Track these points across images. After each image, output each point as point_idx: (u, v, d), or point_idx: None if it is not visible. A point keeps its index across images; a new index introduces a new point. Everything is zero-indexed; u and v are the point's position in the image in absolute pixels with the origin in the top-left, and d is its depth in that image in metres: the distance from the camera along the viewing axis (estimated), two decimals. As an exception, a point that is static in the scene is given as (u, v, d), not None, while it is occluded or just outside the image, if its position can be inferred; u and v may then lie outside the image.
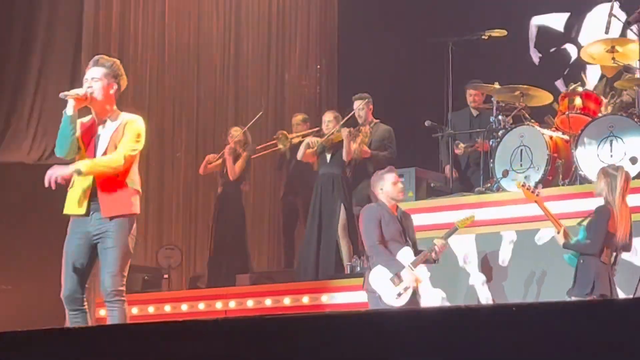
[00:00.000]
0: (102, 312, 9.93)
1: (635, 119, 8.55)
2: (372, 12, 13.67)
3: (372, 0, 13.76)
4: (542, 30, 12.59)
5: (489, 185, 9.28)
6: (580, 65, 11.40)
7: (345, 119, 10.26)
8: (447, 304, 8.69)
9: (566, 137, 9.12)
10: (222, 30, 13.60)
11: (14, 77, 11.71)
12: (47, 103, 11.45)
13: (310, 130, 11.03)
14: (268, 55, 14.01)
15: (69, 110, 6.08)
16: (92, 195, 6.10)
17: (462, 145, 10.11)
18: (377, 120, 10.49)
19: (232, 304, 9.99)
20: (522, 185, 7.77)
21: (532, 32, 12.51)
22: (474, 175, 10.00)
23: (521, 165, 8.94)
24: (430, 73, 10.78)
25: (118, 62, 6.35)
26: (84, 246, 6.13)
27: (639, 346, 2.66)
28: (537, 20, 12.63)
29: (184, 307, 10.23)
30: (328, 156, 10.15)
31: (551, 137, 9.03)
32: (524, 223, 8.52)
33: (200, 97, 13.23)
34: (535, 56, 12.57)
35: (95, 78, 6.19)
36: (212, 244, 11.30)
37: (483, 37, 10.33)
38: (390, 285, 7.65)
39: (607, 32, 9.10)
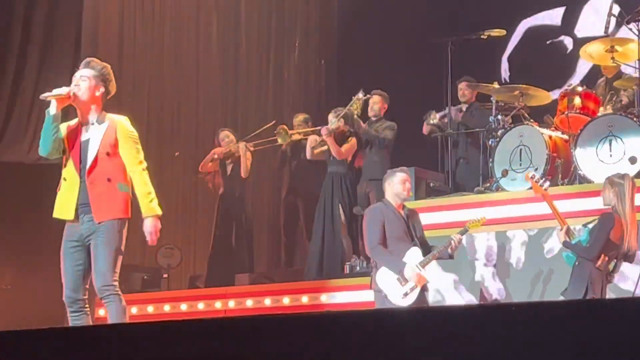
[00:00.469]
0: (102, 312, 9.94)
1: (635, 119, 8.55)
2: (372, 11, 13.67)
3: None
4: (532, 31, 12.59)
5: (488, 185, 9.28)
6: (575, 58, 11.42)
7: (347, 108, 10.35)
8: (460, 286, 8.69)
9: (565, 136, 9.13)
10: (221, 29, 13.59)
11: (13, 76, 11.71)
12: (46, 104, 11.44)
13: (311, 129, 11.04)
14: (268, 54, 14.01)
15: (52, 109, 6.09)
16: (81, 199, 6.11)
17: (435, 114, 10.18)
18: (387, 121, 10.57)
19: (232, 304, 10.00)
20: (531, 178, 7.74)
21: (515, 38, 12.49)
22: (466, 171, 10.03)
23: (520, 164, 8.95)
24: (429, 72, 10.77)
25: (109, 67, 6.35)
26: (79, 249, 6.14)
27: (636, 346, 2.66)
28: (526, 24, 12.61)
29: (184, 306, 10.23)
30: (332, 154, 10.25)
31: (550, 137, 9.03)
32: (523, 222, 8.52)
33: (200, 97, 13.23)
34: (504, 68, 12.56)
35: (83, 77, 6.19)
36: (214, 243, 11.29)
37: (482, 36, 10.34)
38: (396, 284, 7.66)
39: (606, 32, 9.10)
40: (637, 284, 7.46)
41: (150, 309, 10.20)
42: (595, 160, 8.49)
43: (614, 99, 9.32)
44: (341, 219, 10.08)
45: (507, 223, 8.69)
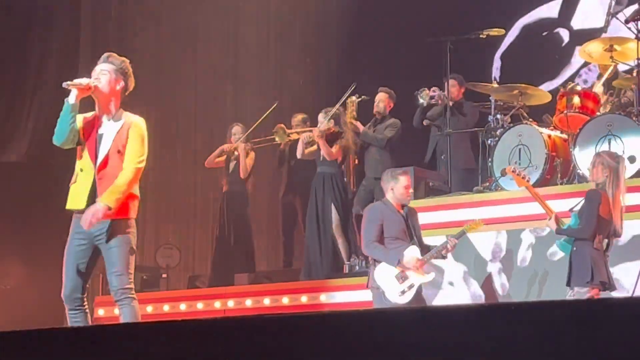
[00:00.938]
0: (101, 312, 9.94)
1: (634, 118, 8.55)
2: (371, 11, 13.66)
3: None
4: (528, 28, 12.61)
5: (487, 184, 9.28)
6: (570, 49, 11.42)
7: (341, 101, 10.36)
8: (469, 278, 8.70)
9: (564, 136, 9.13)
10: (221, 28, 13.60)
11: (12, 76, 11.71)
12: (45, 103, 11.46)
13: (308, 129, 11.03)
14: (267, 53, 14.01)
15: (71, 98, 6.07)
16: (92, 194, 6.10)
17: (427, 91, 10.18)
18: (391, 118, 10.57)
19: (231, 304, 10.00)
20: (513, 171, 7.77)
21: (510, 37, 12.50)
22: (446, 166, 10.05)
23: (520, 164, 8.95)
24: (428, 72, 10.77)
25: (128, 62, 6.36)
26: (85, 247, 6.13)
27: (636, 345, 2.66)
28: (522, 22, 12.63)
29: (183, 306, 10.23)
30: (322, 155, 10.21)
31: (549, 136, 9.03)
32: (522, 222, 8.52)
33: (199, 96, 13.23)
34: (496, 66, 12.58)
35: (103, 70, 6.20)
36: (216, 242, 11.28)
37: (481, 36, 10.34)
38: (394, 282, 7.68)
39: (605, 32, 9.11)
40: (636, 283, 7.47)
41: (149, 308, 10.20)
42: (595, 160, 8.48)
43: (613, 98, 9.32)
44: (335, 219, 10.07)
45: (507, 222, 8.69)
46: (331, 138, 10.26)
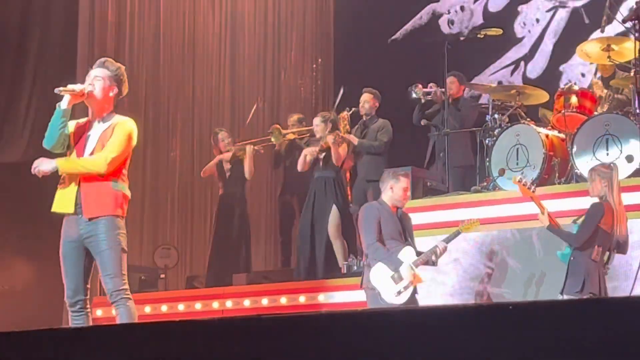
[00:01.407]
0: (99, 312, 9.93)
1: (631, 118, 8.56)
2: (368, 11, 13.67)
3: (368, 1, 13.78)
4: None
5: (485, 184, 9.28)
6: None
7: (347, 111, 10.37)
8: (466, 277, 8.71)
9: (562, 135, 9.13)
10: (217, 29, 13.60)
11: (9, 77, 11.70)
12: (42, 103, 11.44)
13: (305, 129, 11.04)
14: (264, 54, 14.01)
15: (63, 104, 6.08)
16: (78, 196, 6.10)
17: (421, 87, 10.19)
18: (378, 118, 10.55)
19: (229, 304, 10.00)
20: (519, 181, 7.77)
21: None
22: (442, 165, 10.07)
23: (517, 164, 8.95)
24: (426, 72, 10.78)
25: (123, 68, 6.35)
26: (78, 248, 6.13)
27: (634, 345, 2.67)
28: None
29: (181, 307, 10.23)
30: (321, 160, 10.19)
31: (547, 136, 9.03)
32: (521, 222, 8.52)
33: (196, 97, 13.23)
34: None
35: (97, 77, 6.19)
36: (214, 243, 11.28)
37: (479, 35, 10.35)
38: (390, 282, 7.68)
39: (602, 32, 9.11)
40: (634, 283, 7.47)
41: (147, 309, 10.19)
42: (592, 159, 8.49)
43: (610, 97, 9.33)
44: (335, 221, 10.07)
45: (505, 222, 8.69)
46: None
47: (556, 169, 8.87)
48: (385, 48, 13.34)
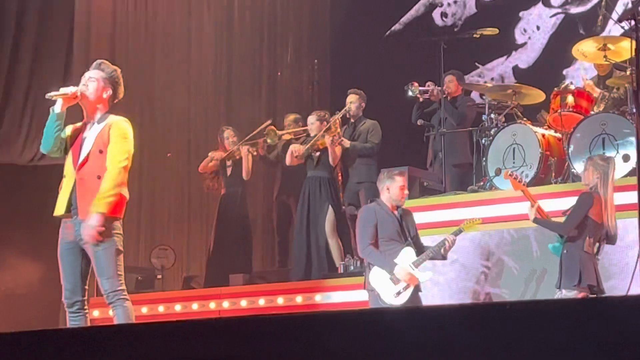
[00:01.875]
0: (96, 313, 9.92)
1: (628, 117, 8.56)
2: (364, 11, 13.67)
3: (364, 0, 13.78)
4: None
5: (481, 183, 9.29)
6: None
7: (339, 114, 10.34)
8: (463, 277, 8.72)
9: (558, 135, 9.14)
10: (213, 29, 13.58)
11: (6, 78, 11.68)
12: (39, 104, 11.43)
13: (300, 129, 11.03)
14: (260, 54, 14.00)
15: (57, 107, 6.08)
16: (73, 198, 6.10)
17: (417, 86, 10.20)
18: (366, 119, 10.55)
19: (226, 304, 9.99)
20: (510, 175, 7.79)
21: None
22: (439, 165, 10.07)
23: (514, 163, 8.96)
24: (422, 72, 10.79)
25: (119, 70, 6.34)
26: (74, 250, 6.13)
27: (631, 344, 2.67)
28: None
29: (178, 307, 10.22)
30: (315, 160, 10.19)
31: (543, 135, 9.04)
32: (518, 221, 8.52)
33: (192, 97, 13.21)
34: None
35: (92, 78, 6.20)
36: (214, 243, 11.27)
37: (475, 35, 10.36)
38: (389, 283, 7.68)
39: (598, 31, 9.12)
40: (630, 282, 7.48)
41: (144, 309, 10.19)
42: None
43: (606, 97, 9.33)
44: (331, 220, 10.07)
45: (501, 222, 8.69)
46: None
47: (552, 169, 8.88)
48: (381, 47, 13.33)
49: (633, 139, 8.35)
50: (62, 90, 6.13)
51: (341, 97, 10.79)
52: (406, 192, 8.06)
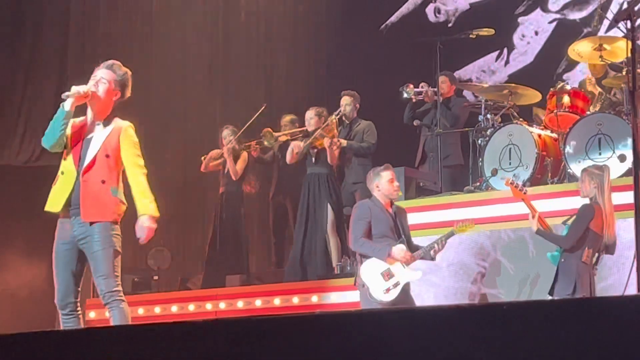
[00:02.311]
0: (92, 315, 9.92)
1: (624, 117, 8.56)
2: (360, 12, 13.68)
3: (360, 0, 13.78)
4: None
5: (478, 184, 9.29)
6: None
7: (334, 115, 10.35)
8: (459, 277, 8.71)
9: (555, 135, 9.14)
10: (210, 31, 13.58)
11: (1, 79, 11.68)
12: (35, 105, 11.43)
13: (297, 129, 11.03)
14: (256, 55, 14.00)
15: (67, 105, 6.07)
16: (74, 198, 6.09)
17: (412, 87, 10.21)
18: (361, 120, 10.57)
19: (223, 305, 9.99)
20: (511, 183, 7.78)
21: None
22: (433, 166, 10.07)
23: (510, 163, 8.96)
24: (419, 72, 10.79)
25: (130, 73, 6.35)
26: (71, 251, 6.12)
27: (627, 344, 2.67)
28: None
29: (174, 308, 10.22)
30: (313, 156, 10.20)
31: (540, 136, 9.04)
32: (513, 222, 8.52)
33: (188, 98, 13.22)
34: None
35: (103, 79, 6.19)
36: (212, 243, 11.26)
37: (471, 36, 10.36)
38: (380, 279, 7.68)
39: (595, 33, 9.13)
40: (626, 283, 7.48)
41: (140, 311, 10.18)
42: (585, 159, 8.51)
43: (602, 97, 9.33)
44: (331, 218, 10.08)
45: (497, 222, 8.70)
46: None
47: (549, 169, 8.88)
48: (376, 48, 13.33)
49: (629, 139, 8.36)
50: (75, 88, 6.11)
51: (336, 97, 10.79)
52: (396, 184, 8.04)
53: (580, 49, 9.21)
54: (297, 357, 3.06)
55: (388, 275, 7.69)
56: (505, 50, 12.72)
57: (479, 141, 9.35)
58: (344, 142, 10.27)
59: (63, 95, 6.09)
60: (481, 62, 12.79)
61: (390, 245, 7.77)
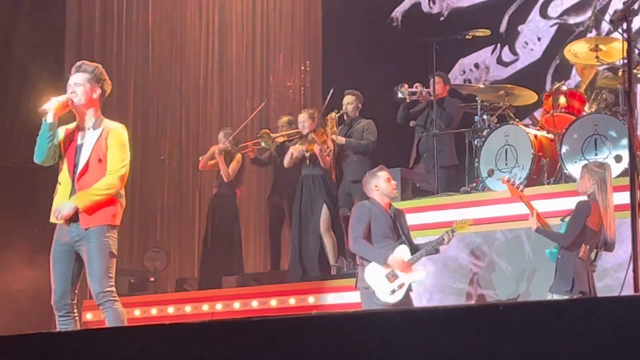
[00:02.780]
0: (89, 316, 9.91)
1: (620, 118, 8.57)
2: (356, 13, 13.68)
3: (356, 1, 13.78)
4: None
5: (474, 185, 9.29)
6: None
7: (334, 112, 10.40)
8: (456, 277, 8.72)
9: (551, 135, 9.15)
10: (205, 32, 13.59)
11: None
12: (31, 106, 11.42)
13: (294, 131, 11.04)
14: (252, 56, 14.01)
15: (49, 117, 6.07)
16: None
17: (407, 87, 10.21)
18: (361, 118, 10.59)
19: (219, 306, 9.99)
20: (507, 181, 7.78)
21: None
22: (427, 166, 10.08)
23: (506, 164, 8.97)
24: (415, 73, 10.80)
25: (100, 66, 6.33)
26: (68, 252, 6.13)
27: (624, 345, 2.67)
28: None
29: (171, 309, 10.21)
30: (308, 159, 10.22)
31: (536, 136, 9.05)
32: (510, 222, 8.53)
33: (184, 100, 13.22)
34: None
35: (77, 84, 6.17)
36: (205, 245, 11.27)
37: (467, 37, 10.37)
38: (385, 281, 7.68)
39: (590, 32, 9.12)
40: (623, 283, 7.48)
41: (137, 312, 10.18)
42: (581, 160, 8.51)
43: (598, 98, 9.34)
44: (326, 218, 10.08)
45: (494, 223, 8.70)
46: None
47: (545, 170, 8.89)
48: (372, 48, 13.34)
49: (625, 140, 8.37)
50: (54, 100, 6.11)
51: (333, 98, 10.80)
52: (393, 182, 8.05)
53: (576, 49, 9.21)
54: (295, 358, 3.06)
55: (393, 277, 7.70)
56: (498, 46, 12.72)
57: (475, 142, 9.35)
58: (342, 140, 10.30)
59: (41, 110, 6.09)
60: (474, 57, 12.79)
61: (390, 247, 7.77)
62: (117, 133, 6.21)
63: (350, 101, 10.55)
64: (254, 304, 9.83)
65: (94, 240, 6.04)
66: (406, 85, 10.31)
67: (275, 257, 11.60)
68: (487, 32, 10.52)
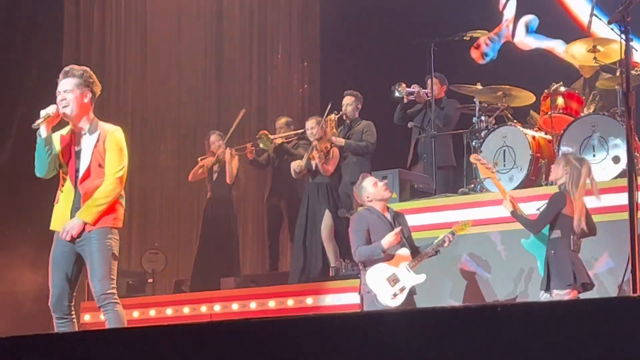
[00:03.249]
0: (87, 318, 9.91)
1: (618, 119, 8.57)
2: (354, 13, 13.68)
3: (354, 1, 13.78)
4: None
5: (472, 186, 9.29)
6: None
7: (333, 114, 10.39)
8: (455, 278, 8.72)
9: (549, 137, 9.15)
10: (203, 33, 13.59)
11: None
12: (29, 107, 11.41)
13: (292, 132, 11.04)
14: (250, 57, 14.01)
15: (43, 132, 6.07)
16: (73, 210, 6.10)
17: (404, 86, 10.22)
18: (361, 120, 10.59)
19: (217, 308, 9.99)
20: (478, 160, 7.81)
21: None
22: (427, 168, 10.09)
23: (504, 165, 8.96)
24: (413, 74, 10.80)
25: (88, 69, 6.29)
26: (69, 254, 6.13)
27: (622, 345, 2.67)
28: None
29: (169, 311, 10.21)
30: (313, 167, 10.23)
31: (534, 137, 9.05)
32: (508, 223, 8.52)
33: (182, 101, 13.22)
34: None
35: (67, 90, 6.14)
36: (200, 247, 11.27)
37: (465, 37, 10.37)
38: (386, 285, 7.67)
39: (588, 33, 9.12)
40: (621, 283, 7.48)
41: (135, 314, 10.18)
42: (579, 160, 8.50)
43: (596, 99, 9.34)
44: (328, 224, 10.08)
45: (492, 224, 8.69)
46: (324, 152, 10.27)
47: (543, 171, 8.89)
48: (370, 49, 13.33)
49: (623, 141, 8.37)
50: (44, 112, 6.10)
51: (331, 98, 10.79)
52: (380, 184, 8.03)
53: (574, 50, 9.22)
54: (292, 359, 3.06)
55: (394, 280, 7.69)
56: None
57: (474, 143, 9.35)
58: (342, 141, 10.31)
59: (33, 125, 6.08)
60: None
61: (392, 250, 7.76)
62: (114, 136, 6.20)
63: (349, 102, 10.53)
64: (252, 305, 9.83)
65: (96, 242, 6.04)
66: (404, 85, 10.32)
67: (274, 259, 11.61)
68: (485, 32, 10.52)
